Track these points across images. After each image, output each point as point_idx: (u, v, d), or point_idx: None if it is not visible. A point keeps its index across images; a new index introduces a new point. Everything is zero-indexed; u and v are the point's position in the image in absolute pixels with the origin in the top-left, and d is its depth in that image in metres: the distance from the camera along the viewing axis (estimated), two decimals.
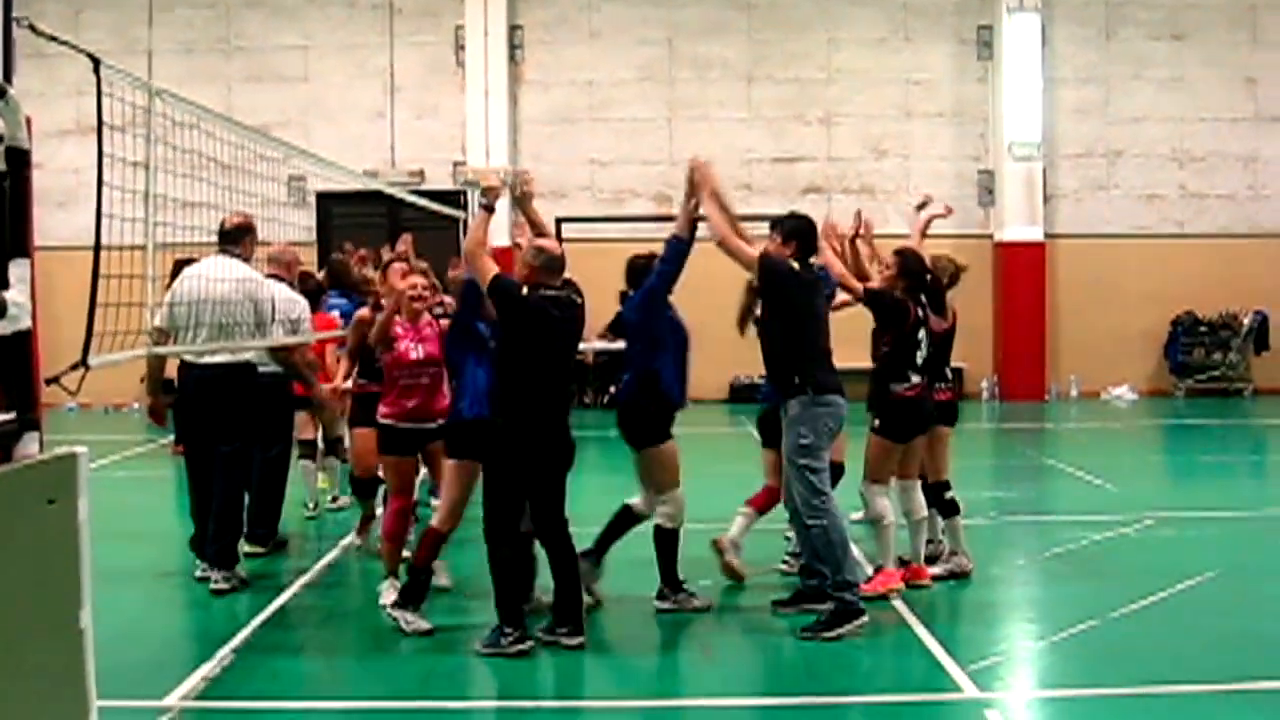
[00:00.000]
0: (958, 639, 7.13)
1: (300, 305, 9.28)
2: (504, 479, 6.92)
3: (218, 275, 8.30)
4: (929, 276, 8.20)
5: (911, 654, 6.91)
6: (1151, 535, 9.90)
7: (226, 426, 8.42)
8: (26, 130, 3.85)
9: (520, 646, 6.84)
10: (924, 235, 9.00)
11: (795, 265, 7.42)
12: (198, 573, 8.52)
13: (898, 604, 7.75)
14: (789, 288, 7.41)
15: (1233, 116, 20.31)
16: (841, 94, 20.27)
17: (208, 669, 6.61)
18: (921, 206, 9.20)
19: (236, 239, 8.64)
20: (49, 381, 4.78)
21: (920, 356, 8.01)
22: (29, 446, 3.84)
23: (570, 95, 20.17)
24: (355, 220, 19.56)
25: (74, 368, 5.07)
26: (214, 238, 8.50)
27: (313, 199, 19.54)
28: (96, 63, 5.34)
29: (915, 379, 7.98)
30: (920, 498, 8.27)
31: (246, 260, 8.71)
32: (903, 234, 9.03)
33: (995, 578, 8.65)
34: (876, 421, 8.06)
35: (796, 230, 7.53)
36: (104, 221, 5.89)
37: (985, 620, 7.72)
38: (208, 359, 8.38)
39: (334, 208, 19.72)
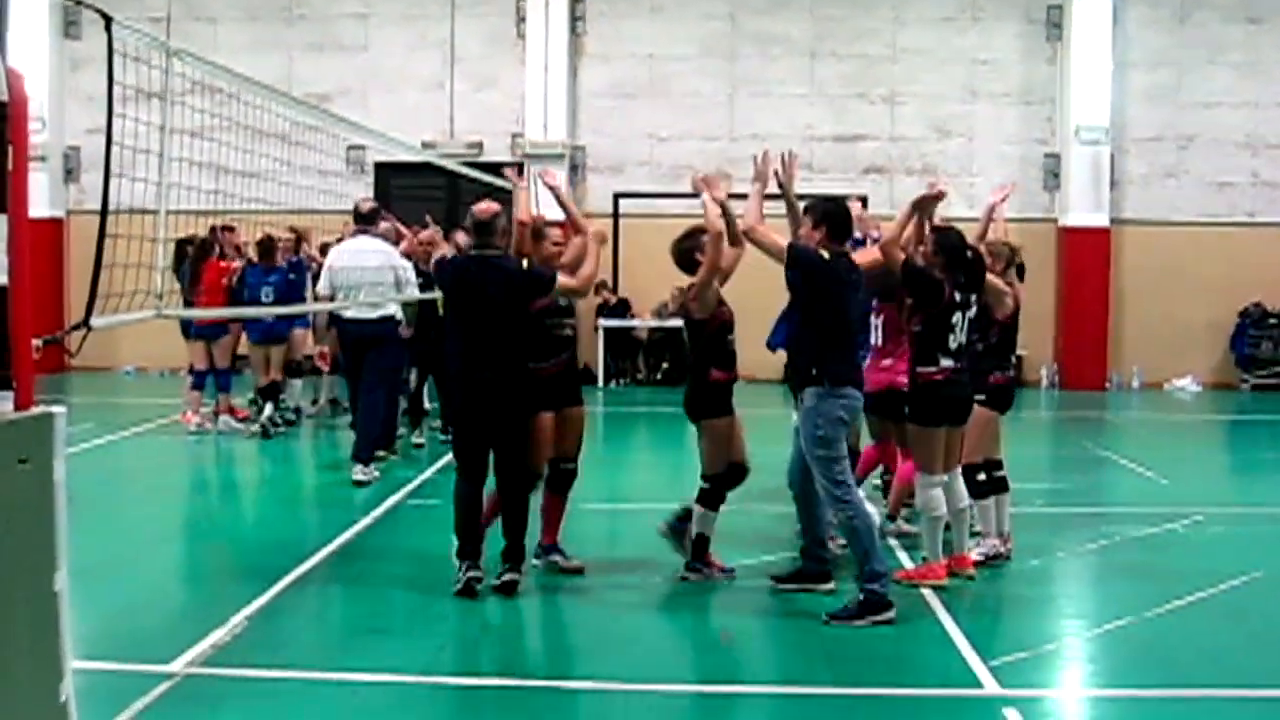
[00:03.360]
0: (984, 632, 6.93)
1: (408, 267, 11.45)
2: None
3: (365, 248, 11.12)
4: (969, 255, 7.88)
5: (935, 646, 6.72)
6: (1200, 532, 9.61)
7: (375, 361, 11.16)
8: (6, 83, 3.75)
9: (468, 576, 7.31)
10: (990, 220, 8.74)
11: (825, 254, 7.24)
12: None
13: (927, 593, 7.55)
14: (815, 277, 7.26)
15: None
16: (906, 73, 19.92)
17: (219, 635, 6.55)
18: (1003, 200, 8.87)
19: (372, 219, 11.48)
20: (48, 341, 4.69)
21: (954, 340, 7.73)
22: (2, 405, 3.76)
23: (631, 69, 19.98)
24: (413, 191, 19.57)
25: (75, 328, 5.00)
26: (270, 206, 9.90)
27: (371, 170, 19.56)
28: (108, 21, 5.24)
29: (946, 363, 7.70)
30: (960, 486, 8.04)
31: (384, 236, 11.49)
32: (964, 217, 8.74)
33: (1032, 570, 8.41)
34: (907, 408, 7.88)
35: (827, 215, 7.35)
36: (152, 187, 6.22)
37: (1015, 614, 7.52)
38: (363, 314, 11.05)
39: (392, 179, 19.68)
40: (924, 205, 7.98)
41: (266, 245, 13.13)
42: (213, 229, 13.64)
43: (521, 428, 7.57)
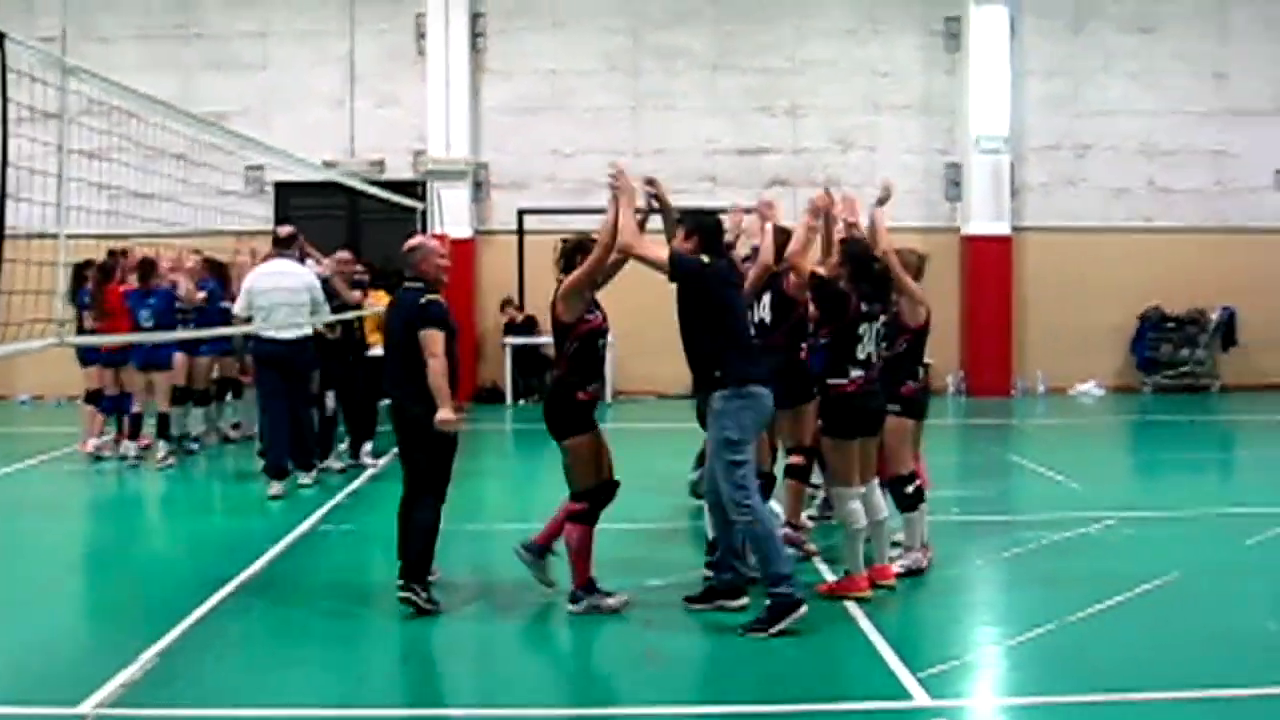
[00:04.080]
0: (911, 644, 6.90)
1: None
2: None
3: (284, 270, 11.66)
4: (876, 265, 7.90)
5: (862, 659, 6.68)
6: (1114, 535, 9.70)
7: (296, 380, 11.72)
8: None
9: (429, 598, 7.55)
10: (875, 228, 8.47)
11: (705, 259, 7.29)
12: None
13: (850, 605, 7.52)
14: (702, 282, 7.30)
15: (1202, 110, 20.15)
16: (808, 85, 20.02)
17: (129, 673, 6.33)
18: (882, 202, 8.63)
19: (289, 243, 12.04)
20: None
21: (862, 350, 7.75)
22: None
23: (533, 85, 19.86)
24: (314, 211, 19.27)
25: None
26: (168, 228, 10.22)
27: (270, 190, 19.25)
28: (1, 37, 5.04)
29: (855, 373, 7.73)
30: (878, 498, 8.03)
31: (300, 259, 12.08)
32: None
33: (952, 578, 8.43)
34: (819, 421, 7.86)
35: (699, 226, 7.42)
36: (50, 210, 6.12)
37: (940, 624, 7.51)
38: (283, 334, 11.41)
39: (292, 198, 19.37)
40: (816, 212, 8.07)
41: (145, 267, 12.96)
42: (111, 252, 13.36)
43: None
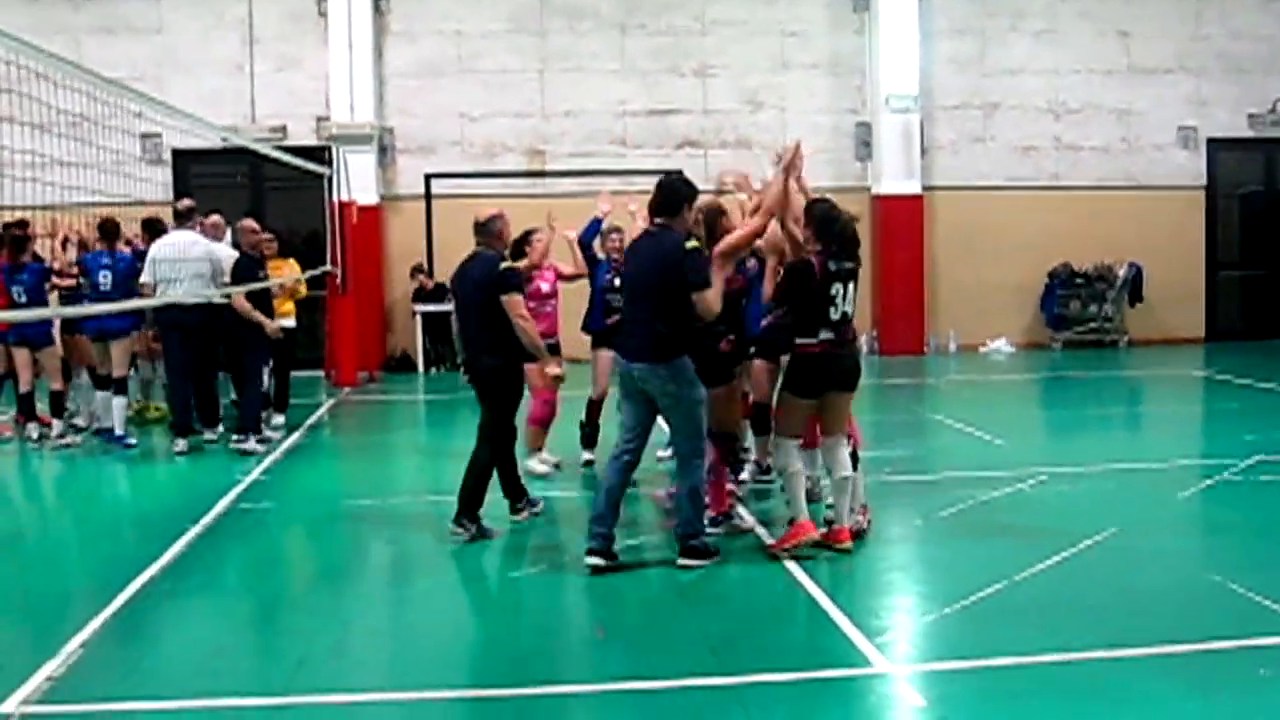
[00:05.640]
0: (862, 609, 6.76)
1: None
2: None
3: (186, 240, 12.20)
4: (839, 223, 7.82)
5: (816, 627, 6.56)
6: (1047, 491, 9.69)
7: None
8: None
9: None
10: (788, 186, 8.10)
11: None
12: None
13: (800, 574, 7.39)
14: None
15: (1106, 69, 20.29)
16: (716, 45, 19.79)
17: (53, 667, 5.99)
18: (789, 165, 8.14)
19: (189, 215, 12.60)
20: None
21: (835, 311, 7.72)
22: None
23: (438, 46, 19.41)
24: (215, 179, 18.76)
25: None
26: (61, 196, 9.52)
27: (168, 157, 18.64)
28: None
29: (825, 335, 7.72)
30: (843, 455, 7.95)
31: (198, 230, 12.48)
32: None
33: (895, 539, 8.37)
34: (782, 377, 7.93)
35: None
36: None
37: (889, 587, 7.42)
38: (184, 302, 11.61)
39: (192, 166, 18.81)
40: (792, 167, 7.98)
41: (16, 241, 12.42)
42: (4, 225, 12.79)
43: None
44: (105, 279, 12.26)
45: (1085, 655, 6.00)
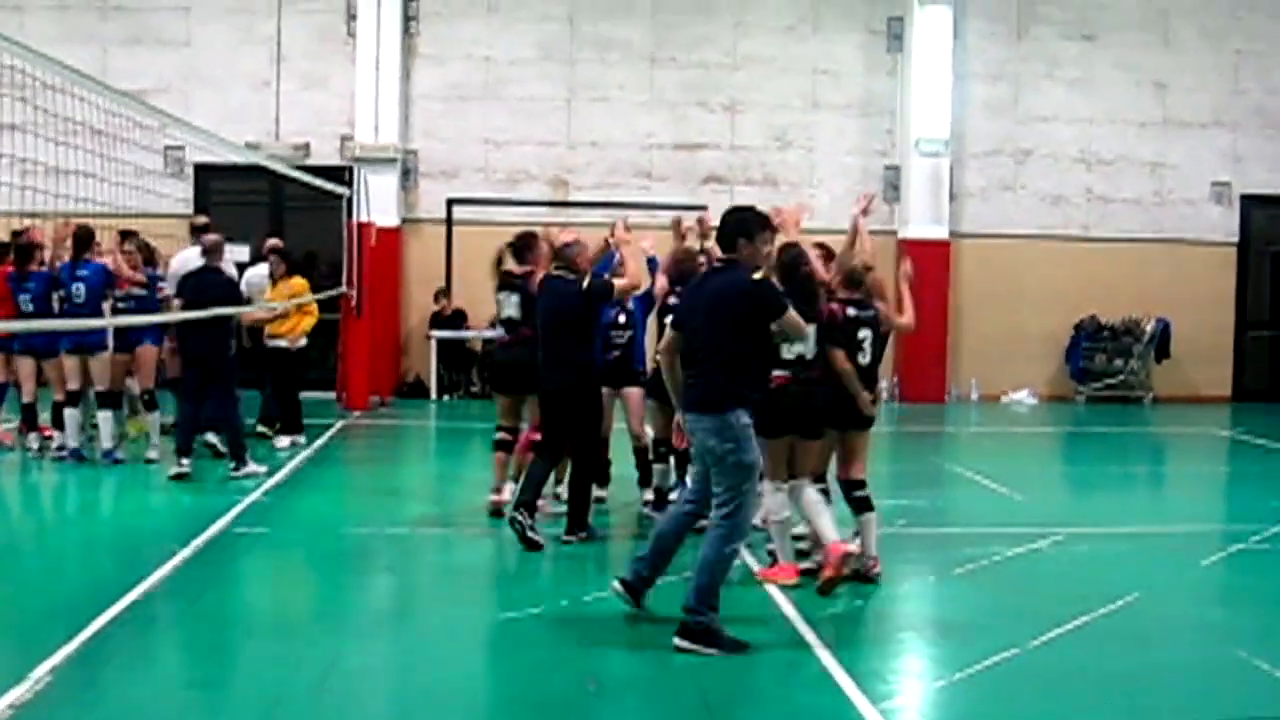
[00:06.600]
0: (869, 671, 6.44)
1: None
2: None
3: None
4: (802, 272, 7.88)
5: (820, 689, 6.20)
6: (1065, 551, 9.37)
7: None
8: None
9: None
10: (855, 233, 8.71)
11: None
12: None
13: (805, 630, 7.07)
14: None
15: (1141, 120, 20.01)
16: (747, 81, 19.59)
17: (19, 693, 5.73)
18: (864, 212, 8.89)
19: (204, 231, 12.70)
20: None
21: (788, 351, 7.76)
22: None
23: (466, 71, 19.25)
24: (235, 195, 18.62)
25: None
26: (84, 205, 9.84)
27: (190, 170, 18.51)
28: None
29: (779, 374, 7.77)
30: (806, 496, 7.97)
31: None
32: (805, 228, 8.41)
33: (907, 595, 8.06)
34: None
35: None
36: None
37: (899, 648, 7.09)
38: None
39: (213, 181, 18.67)
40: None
41: (21, 250, 12.16)
42: (14, 233, 12.61)
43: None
44: (79, 291, 11.95)
45: None
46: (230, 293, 12.03)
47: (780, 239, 8.15)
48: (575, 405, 9.05)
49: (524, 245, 10.00)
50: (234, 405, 11.71)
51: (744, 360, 6.85)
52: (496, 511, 9.80)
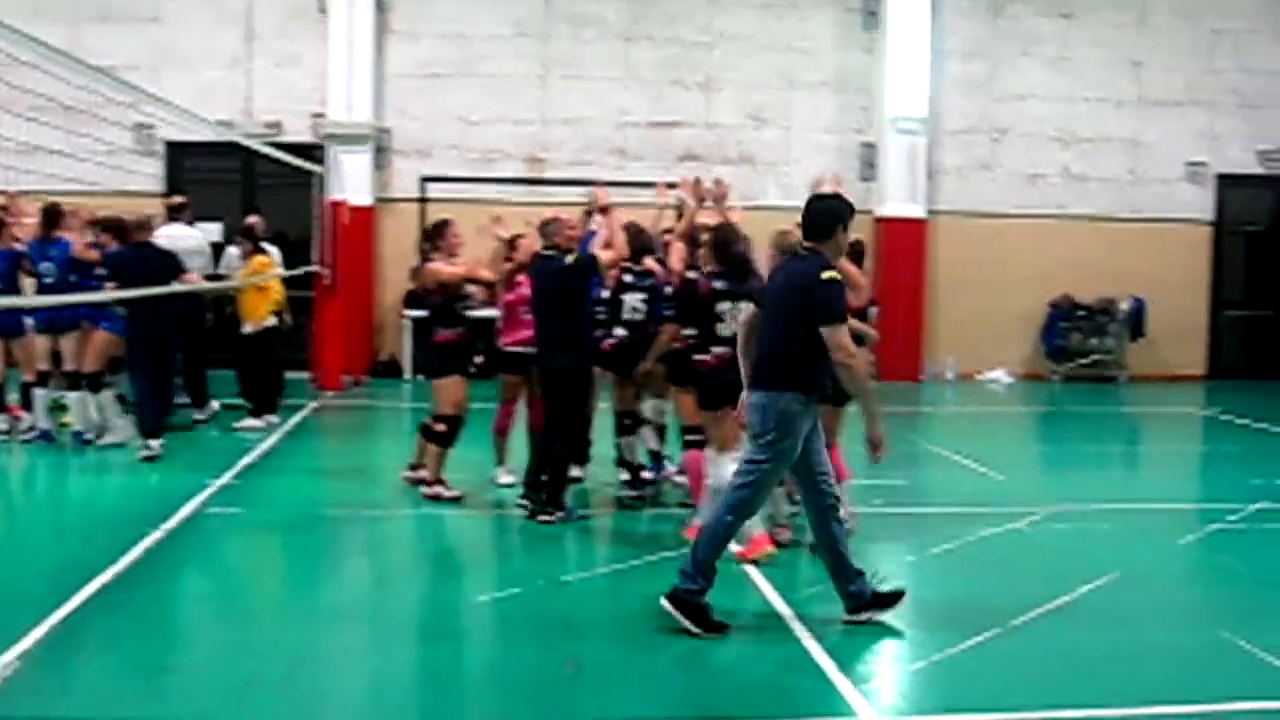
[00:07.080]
0: (849, 653, 6.39)
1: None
2: None
3: (181, 234, 13.23)
4: (733, 251, 8.25)
5: (801, 671, 6.16)
6: (1045, 530, 9.34)
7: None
8: None
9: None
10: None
11: None
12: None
13: (785, 611, 7.02)
14: None
15: (1117, 99, 19.97)
16: (723, 59, 19.45)
17: None
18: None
19: (182, 209, 13.88)
20: None
21: (725, 329, 8.13)
22: None
23: (440, 49, 19.05)
24: (207, 173, 18.42)
25: None
26: (51, 183, 10.39)
27: (161, 148, 18.30)
28: None
29: (717, 350, 8.17)
30: (722, 469, 7.92)
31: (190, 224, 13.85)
32: (781, 206, 8.56)
33: (886, 575, 7.97)
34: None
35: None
36: None
37: (878, 630, 7.00)
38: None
39: (185, 159, 18.45)
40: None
41: None
42: None
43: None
44: (49, 270, 11.80)
45: (1081, 713, 5.69)
46: (166, 265, 11.56)
47: (709, 217, 8.86)
48: (574, 384, 9.21)
49: (434, 232, 10.16)
50: (165, 386, 12.00)
51: (800, 347, 6.70)
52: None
